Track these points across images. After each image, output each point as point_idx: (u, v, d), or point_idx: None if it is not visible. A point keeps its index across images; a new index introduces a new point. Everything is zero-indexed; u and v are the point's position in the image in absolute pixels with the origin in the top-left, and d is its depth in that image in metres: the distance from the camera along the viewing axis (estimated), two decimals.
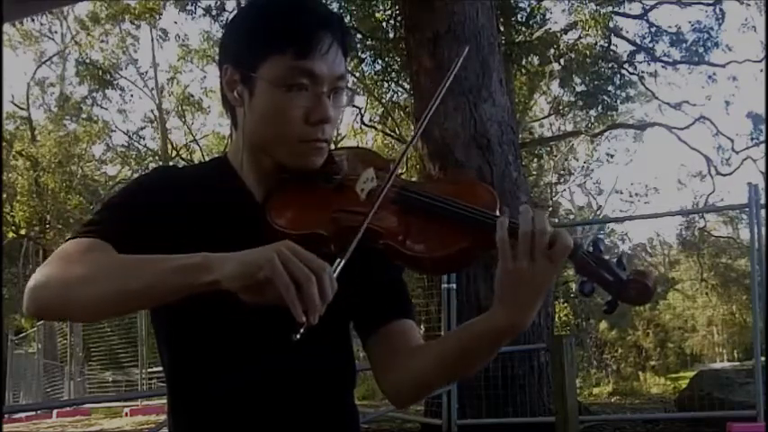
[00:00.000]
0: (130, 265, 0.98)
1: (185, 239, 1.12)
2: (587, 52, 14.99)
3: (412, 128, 9.16)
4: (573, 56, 15.07)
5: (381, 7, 13.45)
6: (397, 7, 11.73)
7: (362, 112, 17.37)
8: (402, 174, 1.28)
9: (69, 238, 1.10)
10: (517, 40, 13.48)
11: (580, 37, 14.96)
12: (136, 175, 23.07)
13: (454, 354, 1.11)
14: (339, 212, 1.11)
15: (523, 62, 14.39)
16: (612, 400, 10.20)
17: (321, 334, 1.17)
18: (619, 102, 16.17)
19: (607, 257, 1.02)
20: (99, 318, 1.11)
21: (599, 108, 16.04)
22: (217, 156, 1.34)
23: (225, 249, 1.15)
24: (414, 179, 1.15)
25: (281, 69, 1.10)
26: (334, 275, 0.93)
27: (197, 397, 1.16)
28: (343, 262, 0.96)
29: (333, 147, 1.22)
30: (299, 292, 0.88)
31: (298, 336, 0.90)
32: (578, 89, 16.08)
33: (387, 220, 1.09)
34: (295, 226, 1.11)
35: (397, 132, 16.30)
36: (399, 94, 14.94)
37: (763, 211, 5.97)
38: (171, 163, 23.36)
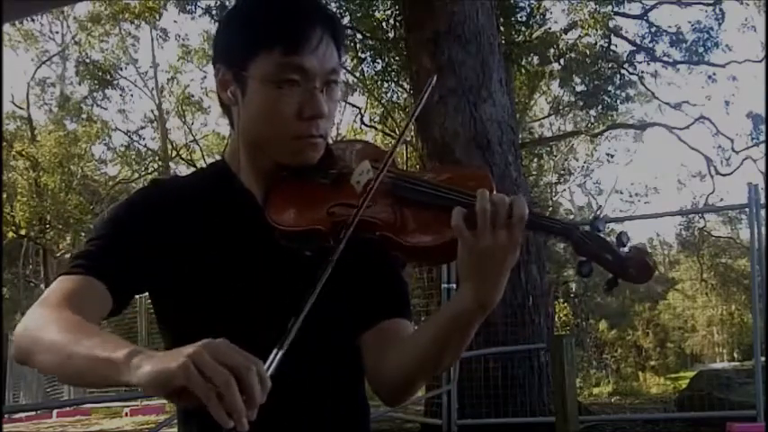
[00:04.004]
0: (75, 342, 0.96)
1: (188, 256, 1.14)
2: (587, 52, 14.98)
3: (412, 128, 9.17)
4: (573, 56, 15.07)
5: (381, 7, 13.43)
6: (397, 7, 11.72)
7: (362, 112, 17.37)
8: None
9: (60, 274, 1.12)
10: (517, 40, 13.47)
11: (580, 37, 14.96)
12: (136, 175, 23.06)
13: (428, 342, 1.09)
14: (335, 207, 1.11)
15: (523, 62, 14.38)
16: (612, 400, 10.20)
17: (330, 330, 1.17)
18: (619, 102, 16.13)
19: (605, 236, 1.01)
20: (66, 384, 1.11)
21: (599, 108, 16.02)
22: (214, 161, 1.35)
23: (230, 253, 1.15)
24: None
25: (270, 66, 1.10)
26: (268, 370, 0.85)
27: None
28: (280, 353, 0.89)
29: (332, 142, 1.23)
30: (221, 399, 0.80)
31: None
32: (578, 89, 16.06)
33: (382, 210, 1.09)
34: (292, 223, 1.12)
35: (397, 132, 16.29)
36: (399, 94, 14.93)
37: (763, 211, 5.97)
38: (171, 163, 23.34)
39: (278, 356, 0.88)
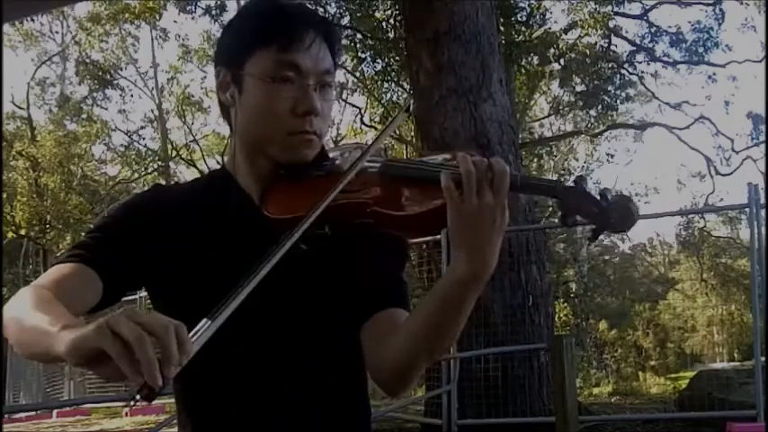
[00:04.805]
0: (37, 317, 0.97)
1: (183, 258, 1.15)
2: (587, 52, 14.98)
3: (412, 128, 9.13)
4: (573, 56, 15.07)
5: (381, 7, 13.44)
6: (397, 7, 11.73)
7: (362, 112, 17.38)
8: None
9: (56, 262, 1.14)
10: (517, 40, 13.47)
11: (580, 37, 14.96)
12: (135, 175, 23.04)
13: (426, 318, 1.09)
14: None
15: (523, 62, 14.38)
16: (612, 400, 10.20)
17: (328, 335, 1.18)
18: (619, 102, 16.15)
19: (587, 190, 1.02)
20: (26, 356, 1.14)
21: (599, 108, 16.03)
22: (214, 169, 1.38)
23: (228, 255, 1.16)
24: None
25: (266, 63, 1.14)
26: (195, 337, 0.84)
27: (206, 402, 1.17)
28: (210, 324, 0.87)
29: (332, 145, 1.24)
30: (133, 356, 0.79)
31: (134, 402, 0.81)
32: (578, 89, 16.07)
33: (371, 191, 1.12)
34: (287, 211, 1.13)
35: (397, 133, 16.29)
36: (399, 94, 14.93)
37: (763, 211, 5.97)
38: (171, 163, 23.34)
39: (206, 326, 0.87)
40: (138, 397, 0.80)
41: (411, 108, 1.36)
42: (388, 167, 1.15)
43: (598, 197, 1.01)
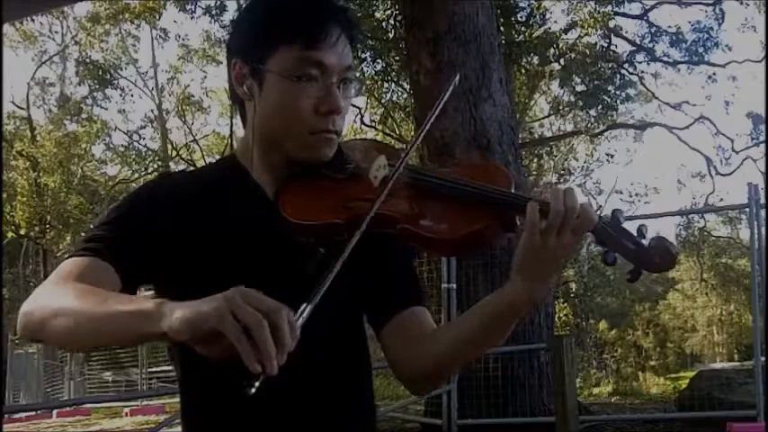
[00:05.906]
0: (92, 303, 0.96)
1: (197, 248, 1.13)
2: (587, 52, 14.99)
3: (412, 128, 9.17)
4: (573, 56, 15.07)
5: (381, 7, 13.45)
6: (396, 7, 11.73)
7: (362, 112, 17.37)
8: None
9: (68, 256, 1.11)
10: (517, 40, 13.47)
11: (580, 37, 14.96)
12: (136, 175, 23.04)
13: (470, 334, 1.10)
14: (353, 200, 1.10)
15: (523, 62, 14.38)
16: (612, 400, 10.19)
17: (335, 332, 1.17)
18: (619, 102, 16.17)
19: (626, 227, 1.02)
20: (77, 348, 1.10)
21: (599, 108, 16.03)
22: (223, 156, 1.34)
23: (240, 250, 1.14)
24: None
25: (290, 60, 1.11)
26: (299, 321, 0.85)
27: (211, 400, 1.16)
28: (309, 307, 0.88)
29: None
30: (251, 340, 0.80)
31: (252, 389, 0.81)
32: (578, 89, 16.07)
33: (401, 204, 1.10)
34: (308, 216, 1.11)
35: (397, 132, 16.29)
36: (399, 94, 14.94)
37: (763, 211, 5.97)
38: (171, 163, 23.33)
39: (307, 310, 0.88)
40: (256, 384, 0.81)
41: (458, 80, 1.29)
42: (421, 182, 1.12)
43: (635, 234, 1.01)
